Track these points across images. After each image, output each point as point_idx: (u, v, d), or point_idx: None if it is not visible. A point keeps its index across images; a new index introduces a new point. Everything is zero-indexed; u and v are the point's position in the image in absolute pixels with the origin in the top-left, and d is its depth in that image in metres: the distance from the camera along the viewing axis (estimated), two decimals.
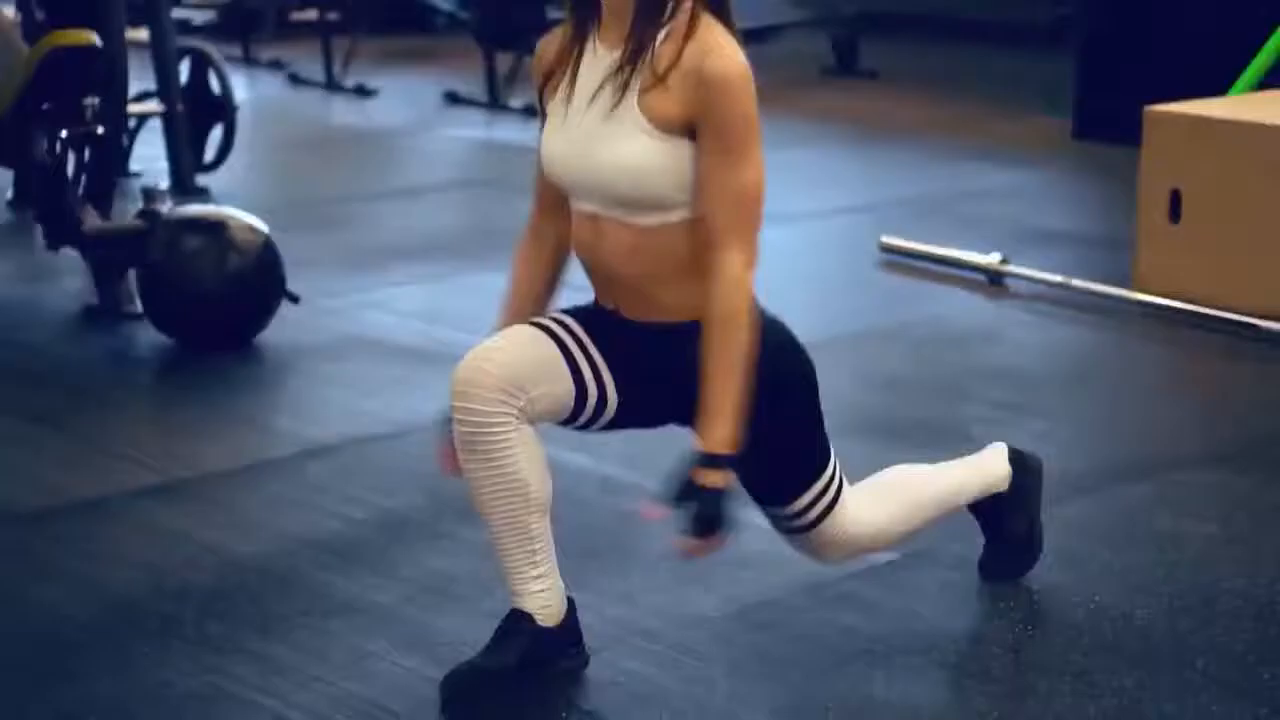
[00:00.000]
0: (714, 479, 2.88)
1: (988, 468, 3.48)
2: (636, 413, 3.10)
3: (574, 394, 3.00)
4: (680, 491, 2.89)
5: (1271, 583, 3.55)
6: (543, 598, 3.06)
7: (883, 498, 3.31)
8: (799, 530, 3.21)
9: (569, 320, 3.06)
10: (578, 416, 3.05)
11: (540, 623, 3.05)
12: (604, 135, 2.91)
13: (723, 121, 2.86)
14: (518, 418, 2.94)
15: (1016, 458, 3.53)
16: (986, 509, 3.50)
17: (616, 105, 2.89)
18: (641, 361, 3.04)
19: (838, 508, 3.19)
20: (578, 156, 2.95)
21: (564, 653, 3.12)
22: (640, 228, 2.94)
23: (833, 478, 3.18)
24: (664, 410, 3.11)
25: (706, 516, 2.89)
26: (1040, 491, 3.55)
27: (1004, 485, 3.49)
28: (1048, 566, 3.61)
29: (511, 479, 2.95)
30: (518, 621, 3.05)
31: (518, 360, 2.95)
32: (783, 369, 3.04)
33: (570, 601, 3.12)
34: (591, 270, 3.07)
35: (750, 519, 3.82)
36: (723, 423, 2.87)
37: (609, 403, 3.05)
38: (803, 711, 3.05)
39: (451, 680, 3.03)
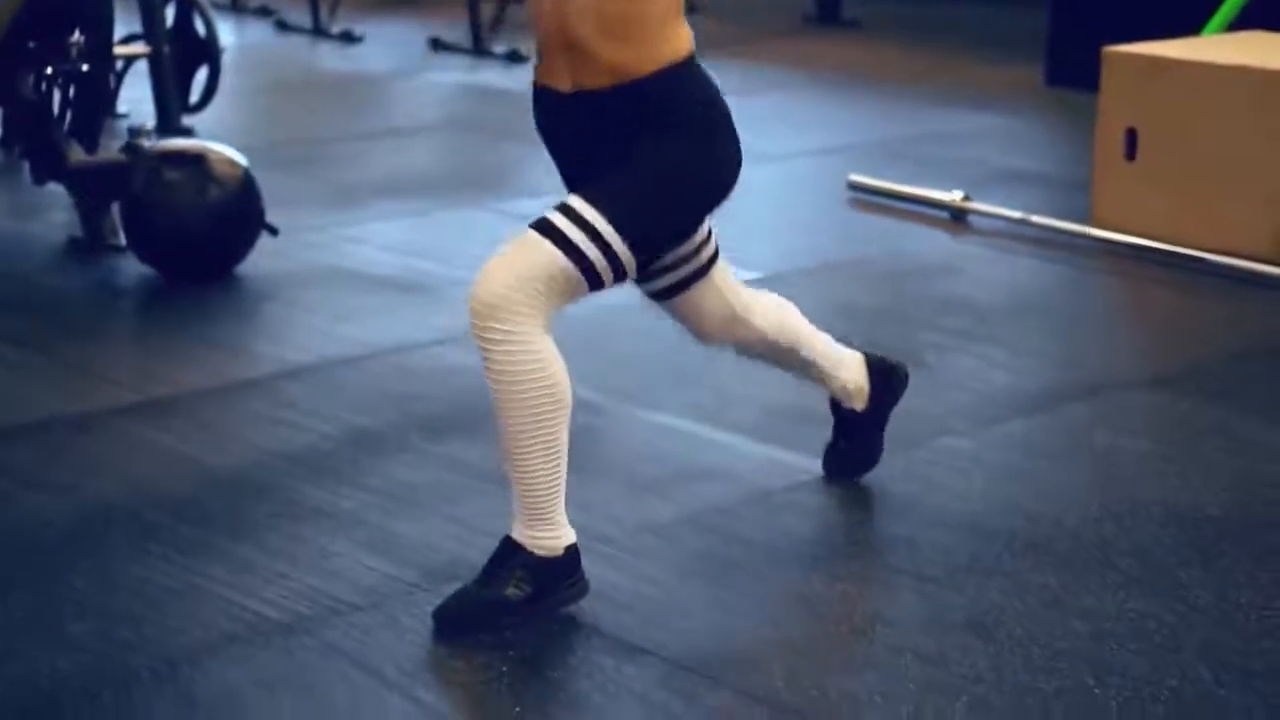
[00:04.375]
0: None
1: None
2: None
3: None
4: None
5: (1197, 494, 3.72)
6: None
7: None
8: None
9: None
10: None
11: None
12: None
13: None
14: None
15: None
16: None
17: None
18: (583, 135, 3.13)
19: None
20: None
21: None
22: None
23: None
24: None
25: None
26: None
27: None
28: (989, 479, 3.78)
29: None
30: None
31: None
32: (712, 126, 3.12)
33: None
34: (544, 35, 3.12)
35: (701, 434, 4.00)
36: None
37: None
38: (745, 608, 3.22)
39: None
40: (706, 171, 3.15)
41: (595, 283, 3.07)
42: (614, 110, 3.09)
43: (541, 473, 3.09)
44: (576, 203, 3.06)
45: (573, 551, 3.15)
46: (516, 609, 3.10)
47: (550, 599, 3.13)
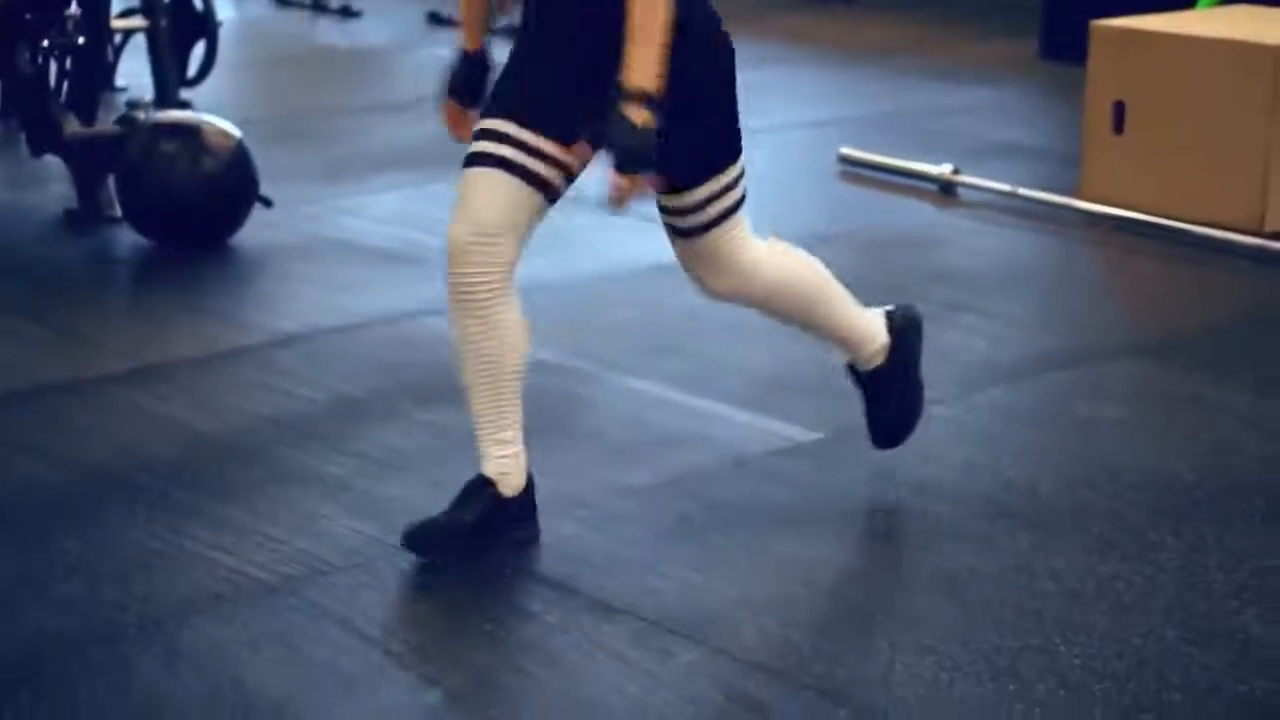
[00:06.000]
0: (637, 113, 3.04)
1: (867, 324, 3.60)
2: (595, 130, 3.20)
3: (544, 196, 3.21)
4: (609, 126, 3.05)
5: (1174, 461, 3.78)
6: (505, 464, 3.30)
7: (781, 257, 3.48)
8: (691, 232, 3.31)
9: (507, 127, 3.20)
10: (558, 197, 3.25)
11: (500, 490, 3.29)
12: None
13: None
14: (504, 275, 3.18)
15: (894, 323, 3.64)
16: (867, 379, 3.63)
17: None
18: (576, 63, 3.19)
19: (735, 220, 3.33)
20: None
21: (518, 523, 3.35)
22: None
23: (736, 184, 3.31)
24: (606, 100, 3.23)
25: (631, 149, 3.05)
26: (919, 346, 3.68)
27: (879, 357, 3.60)
28: (965, 444, 3.84)
29: (492, 336, 3.20)
30: (480, 485, 3.30)
31: (489, 215, 3.18)
32: (703, 28, 3.21)
33: (530, 478, 3.35)
34: None
35: (682, 402, 4.05)
36: (646, 55, 3.04)
37: (573, 164, 3.22)
38: (721, 569, 3.28)
39: (412, 531, 3.28)
40: (726, 69, 3.25)
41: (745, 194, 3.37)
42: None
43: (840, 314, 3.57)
44: (689, 197, 3.28)
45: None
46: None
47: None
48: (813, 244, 5.41)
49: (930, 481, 3.66)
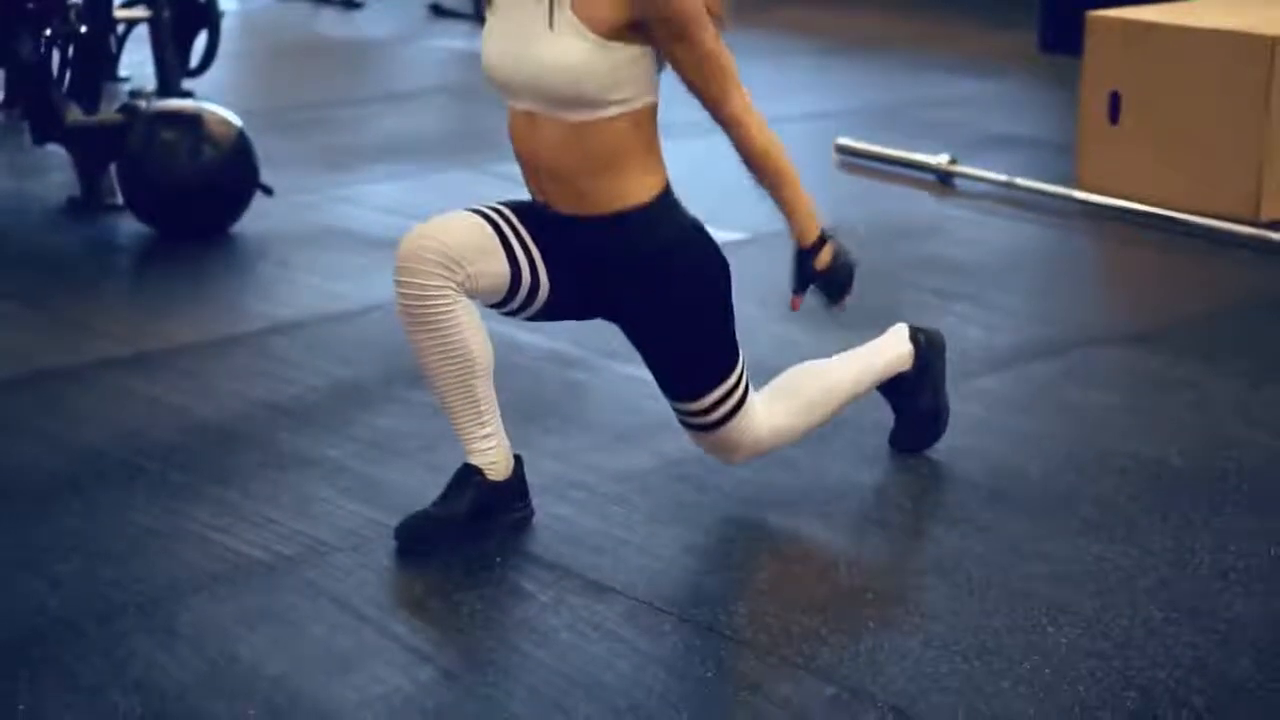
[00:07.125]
0: (825, 258, 3.35)
1: (888, 350, 3.67)
2: (566, 305, 3.34)
3: (509, 276, 3.24)
4: (808, 279, 3.37)
5: (1163, 446, 3.81)
6: (491, 454, 3.33)
7: (786, 398, 3.51)
8: (702, 429, 3.40)
9: (507, 211, 3.29)
10: (511, 299, 3.29)
11: (489, 477, 3.33)
12: (539, 37, 3.13)
13: (661, 14, 3.09)
14: (456, 290, 3.19)
15: (918, 336, 3.72)
16: (892, 387, 3.71)
17: (552, 8, 3.11)
18: (573, 255, 3.27)
19: (742, 412, 3.38)
20: (514, 57, 3.17)
21: (511, 505, 3.39)
22: (573, 123, 3.16)
23: (739, 382, 3.37)
24: (593, 304, 3.34)
25: (837, 285, 3.40)
26: (943, 365, 3.74)
27: (907, 364, 3.68)
28: (957, 431, 3.86)
29: (455, 346, 3.22)
30: (469, 474, 3.34)
31: (456, 239, 3.20)
32: (697, 261, 3.29)
33: (518, 459, 3.39)
34: (526, 165, 3.28)
35: None
36: (805, 216, 3.35)
37: (540, 290, 3.28)
38: (714, 551, 3.32)
39: (406, 526, 3.31)
40: (720, 293, 3.33)
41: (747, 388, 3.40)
42: (620, 233, 3.22)
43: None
44: (695, 404, 3.36)
45: None
46: None
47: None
48: None
49: (922, 465, 3.69)
